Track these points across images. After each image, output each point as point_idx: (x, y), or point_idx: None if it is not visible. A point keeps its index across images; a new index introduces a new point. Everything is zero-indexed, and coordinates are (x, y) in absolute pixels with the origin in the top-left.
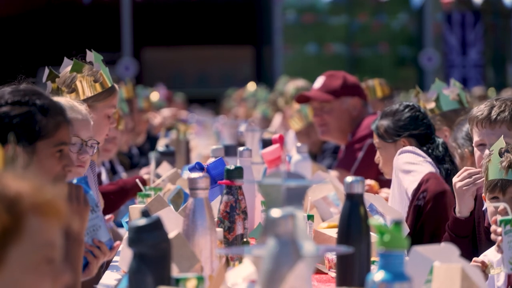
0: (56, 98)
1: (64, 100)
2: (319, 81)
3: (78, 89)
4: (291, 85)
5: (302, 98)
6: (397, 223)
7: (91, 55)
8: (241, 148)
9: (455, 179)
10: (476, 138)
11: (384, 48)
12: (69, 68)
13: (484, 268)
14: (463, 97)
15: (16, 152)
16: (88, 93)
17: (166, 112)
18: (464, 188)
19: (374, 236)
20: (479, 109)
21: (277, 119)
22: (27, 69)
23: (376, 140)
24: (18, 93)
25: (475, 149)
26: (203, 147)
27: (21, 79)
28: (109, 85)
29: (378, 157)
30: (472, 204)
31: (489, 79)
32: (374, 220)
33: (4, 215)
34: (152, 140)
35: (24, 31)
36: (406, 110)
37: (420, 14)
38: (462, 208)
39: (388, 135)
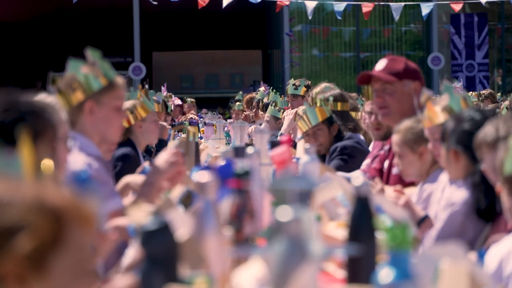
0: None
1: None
2: (381, 64)
3: (81, 87)
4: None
5: (365, 77)
6: (404, 224)
7: (88, 53)
8: (250, 150)
9: None
10: None
11: (391, 51)
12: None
13: None
14: (469, 101)
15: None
16: (91, 89)
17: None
18: None
19: (381, 236)
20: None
21: (287, 121)
22: (41, 74)
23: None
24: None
25: None
26: (213, 149)
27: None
28: (111, 77)
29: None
30: None
31: (495, 81)
32: (382, 221)
33: (50, 228)
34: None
35: (39, 36)
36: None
37: (427, 18)
38: None
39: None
